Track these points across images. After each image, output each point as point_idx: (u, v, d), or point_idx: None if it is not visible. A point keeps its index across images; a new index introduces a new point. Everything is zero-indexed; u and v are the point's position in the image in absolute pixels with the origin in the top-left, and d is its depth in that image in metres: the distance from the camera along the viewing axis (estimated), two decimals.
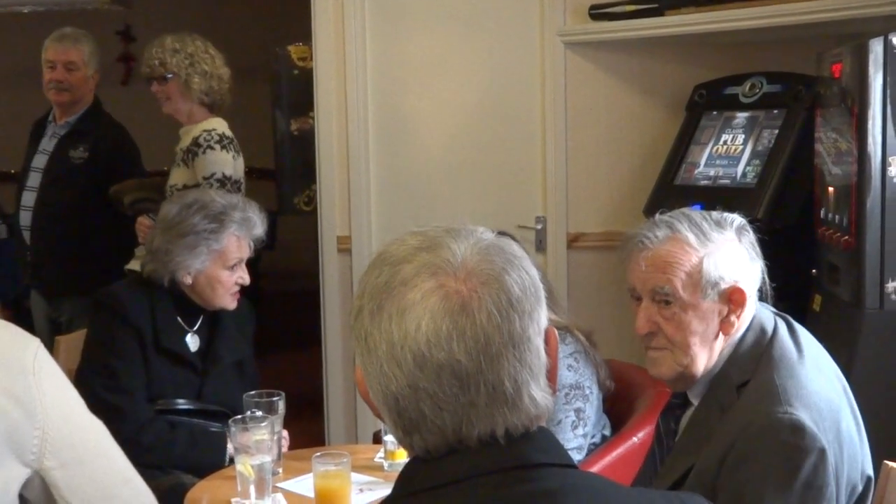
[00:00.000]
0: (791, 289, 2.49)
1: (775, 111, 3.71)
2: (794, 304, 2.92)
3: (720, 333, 1.92)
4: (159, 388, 2.90)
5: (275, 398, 2.62)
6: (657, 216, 2.01)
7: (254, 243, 2.96)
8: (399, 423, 1.19)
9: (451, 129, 4.48)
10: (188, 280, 2.90)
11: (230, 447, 2.71)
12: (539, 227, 4.39)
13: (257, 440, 2.37)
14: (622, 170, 4.34)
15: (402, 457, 2.56)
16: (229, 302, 2.95)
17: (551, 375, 1.23)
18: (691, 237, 1.92)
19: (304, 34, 4.89)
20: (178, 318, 2.96)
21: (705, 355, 1.92)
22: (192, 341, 2.98)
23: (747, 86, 3.85)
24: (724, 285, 1.90)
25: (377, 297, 1.19)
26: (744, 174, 3.68)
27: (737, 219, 1.99)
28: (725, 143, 3.83)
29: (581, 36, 4.25)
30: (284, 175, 5.69)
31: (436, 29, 4.42)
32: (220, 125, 3.95)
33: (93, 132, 4.39)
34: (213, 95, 4.03)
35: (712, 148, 3.86)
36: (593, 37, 4.23)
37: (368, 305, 1.20)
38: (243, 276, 2.94)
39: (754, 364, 1.89)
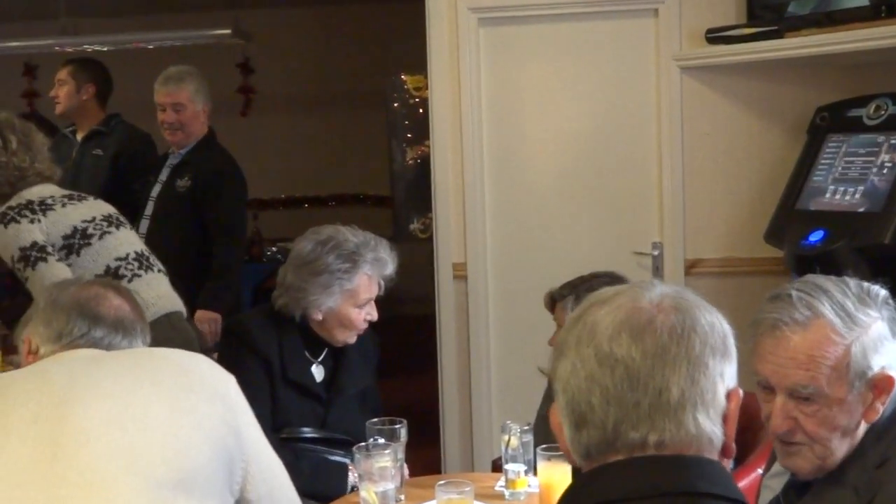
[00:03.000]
0: None
1: None
2: None
3: (862, 421, 1.75)
4: (284, 417, 2.94)
5: (397, 425, 2.65)
6: (790, 290, 1.78)
7: (383, 282, 3.00)
8: (572, 419, 1.28)
9: (566, 156, 4.48)
10: (319, 316, 2.94)
11: (352, 477, 2.74)
12: (656, 252, 4.35)
13: (380, 467, 2.39)
14: (741, 194, 4.28)
15: (524, 485, 2.56)
16: (353, 338, 3.00)
17: (727, 445, 1.27)
18: (837, 322, 1.72)
19: (419, 64, 4.95)
20: (305, 350, 3.01)
21: (846, 446, 1.75)
22: (318, 372, 3.03)
23: (872, 107, 3.75)
24: (871, 374, 1.72)
25: (579, 314, 1.32)
26: (869, 199, 3.58)
27: (881, 291, 1.81)
28: (849, 166, 3.73)
29: (698, 60, 4.21)
30: (400, 202, 5.77)
31: (550, 56, 4.43)
32: (7, 203, 3.32)
33: (200, 162, 4.50)
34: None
35: (835, 172, 3.77)
36: (710, 61, 4.19)
37: (571, 321, 1.33)
38: (372, 314, 2.98)
39: (893, 441, 1.73)
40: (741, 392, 1.29)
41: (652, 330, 1.25)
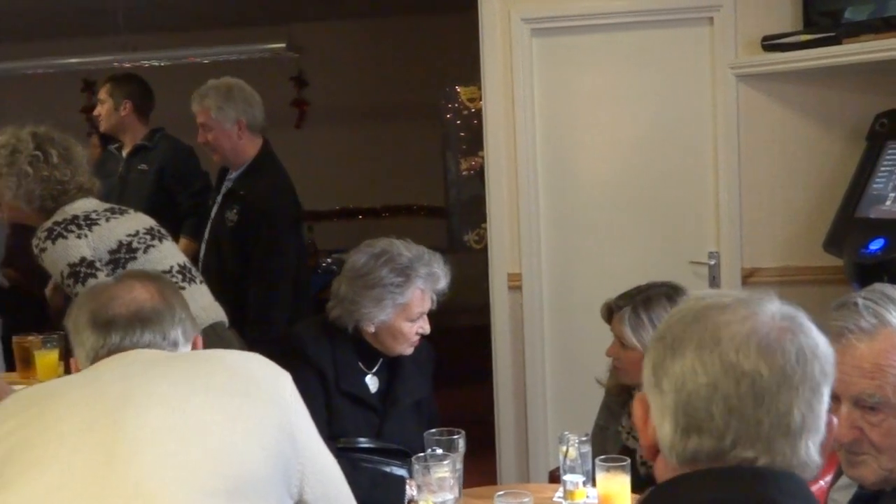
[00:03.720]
0: None
1: None
2: None
3: None
4: (340, 427, 2.95)
5: (455, 436, 2.65)
6: (857, 299, 1.77)
7: (436, 296, 3.00)
8: (681, 422, 1.26)
9: (621, 165, 4.46)
10: (371, 329, 2.96)
11: (409, 490, 2.75)
12: (712, 262, 4.31)
13: (439, 478, 2.40)
14: (799, 202, 4.24)
15: (583, 496, 2.55)
16: (407, 350, 3.01)
17: (825, 466, 1.28)
18: None
19: (473, 75, 4.96)
20: (359, 361, 3.03)
21: None
22: (372, 383, 3.04)
23: None
24: None
25: (695, 313, 1.30)
26: None
27: None
28: None
29: (754, 68, 4.19)
30: (454, 213, 5.79)
31: (603, 65, 4.43)
32: (53, 217, 3.30)
33: (247, 195, 4.17)
34: (37, 201, 3.31)
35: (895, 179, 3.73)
36: (767, 68, 4.15)
37: (688, 317, 1.30)
38: (424, 327, 2.99)
39: None
40: (835, 420, 1.29)
41: (781, 349, 1.24)
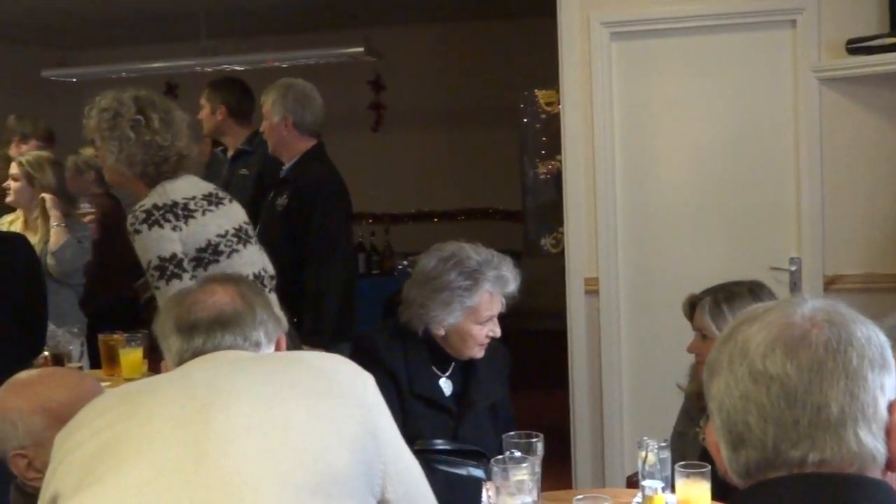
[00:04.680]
0: None
1: None
2: None
3: None
4: (415, 430, 2.96)
5: (534, 439, 2.65)
6: None
7: (505, 299, 3.01)
8: (728, 440, 1.27)
9: (700, 170, 4.43)
10: (441, 332, 2.97)
11: (485, 492, 2.75)
12: (793, 268, 4.26)
13: (518, 480, 2.40)
14: (884, 208, 4.16)
15: (662, 502, 2.53)
16: (478, 353, 3.01)
17: (891, 459, 1.23)
18: None
19: (551, 79, 4.95)
20: (432, 364, 3.04)
21: None
22: (446, 386, 3.05)
23: None
24: None
25: (730, 332, 1.31)
26: None
27: None
28: None
29: (837, 71, 4.12)
30: (531, 217, 5.79)
31: (684, 69, 4.40)
32: (152, 197, 3.32)
33: (297, 178, 4.36)
34: (139, 166, 3.33)
35: None
36: (851, 72, 4.09)
37: (722, 339, 1.31)
38: (494, 330, 2.99)
39: None
40: None
41: (806, 345, 1.23)
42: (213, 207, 3.40)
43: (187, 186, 3.38)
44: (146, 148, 3.30)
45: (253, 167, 4.96)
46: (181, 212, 3.30)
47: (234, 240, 3.41)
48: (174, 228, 3.26)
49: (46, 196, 4.47)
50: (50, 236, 4.41)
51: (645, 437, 2.60)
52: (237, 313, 1.99)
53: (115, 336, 3.95)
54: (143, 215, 3.25)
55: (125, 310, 4.67)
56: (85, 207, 5.08)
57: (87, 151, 4.59)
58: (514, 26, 8.12)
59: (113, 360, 3.91)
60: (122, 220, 5.33)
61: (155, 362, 3.52)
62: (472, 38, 8.53)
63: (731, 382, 1.26)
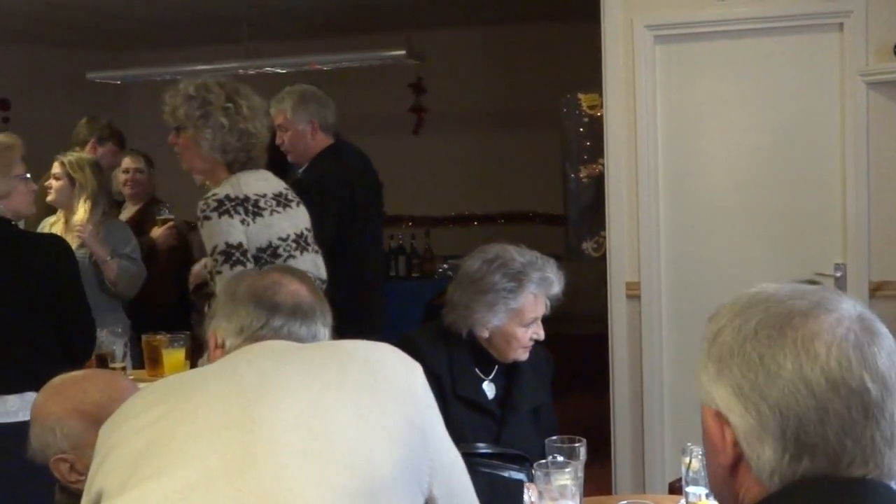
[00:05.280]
0: None
1: None
2: None
3: None
4: (457, 433, 2.95)
5: (576, 444, 2.64)
6: None
7: (550, 301, 3.00)
8: (788, 447, 1.20)
9: (744, 174, 4.39)
10: (485, 334, 2.97)
11: (527, 494, 2.74)
12: (838, 274, 4.21)
13: (560, 485, 2.39)
14: None
15: None
16: (522, 355, 3.00)
17: None
18: None
19: (592, 82, 4.94)
20: (475, 367, 3.04)
21: None
22: (489, 389, 3.04)
23: None
24: None
25: (775, 324, 1.23)
26: None
27: None
28: None
29: (885, 75, 4.08)
30: (573, 221, 5.78)
31: (728, 72, 4.37)
32: (225, 187, 3.33)
33: (305, 179, 4.39)
34: (232, 153, 3.36)
35: None
36: None
37: (766, 331, 1.23)
38: (538, 332, 2.98)
39: None
40: None
41: (873, 354, 1.19)
42: (280, 209, 3.41)
43: (260, 183, 3.40)
44: (239, 135, 3.33)
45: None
46: (251, 208, 3.31)
47: (293, 245, 3.42)
48: (243, 222, 3.28)
49: (82, 233, 4.37)
50: (104, 273, 4.41)
51: (689, 443, 2.58)
52: (312, 307, 2.02)
53: (159, 337, 3.98)
54: (216, 203, 3.26)
55: (169, 312, 4.71)
56: (164, 213, 5.12)
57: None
58: (557, 29, 8.10)
59: (156, 360, 3.94)
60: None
61: (196, 363, 3.53)
62: (514, 41, 8.52)
63: (800, 387, 1.19)
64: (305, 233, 3.50)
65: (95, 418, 1.98)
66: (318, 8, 7.59)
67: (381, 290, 4.84)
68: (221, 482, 1.51)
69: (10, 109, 8.80)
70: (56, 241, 3.52)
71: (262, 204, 3.35)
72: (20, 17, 7.53)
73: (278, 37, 8.15)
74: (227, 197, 3.28)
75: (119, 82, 8.09)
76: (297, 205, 3.51)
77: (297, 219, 3.47)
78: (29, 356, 2.69)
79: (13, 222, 3.38)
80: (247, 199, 3.31)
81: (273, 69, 7.16)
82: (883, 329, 1.23)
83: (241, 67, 7.17)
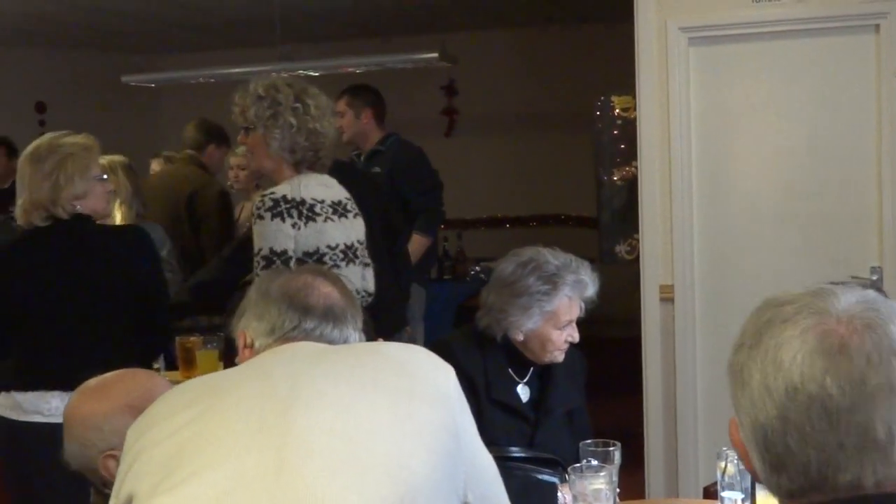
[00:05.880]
0: None
1: None
2: None
3: None
4: (491, 436, 2.95)
5: (611, 448, 2.63)
6: None
7: (585, 304, 2.99)
8: (766, 459, 1.18)
9: (779, 177, 4.36)
10: (520, 337, 2.96)
11: (560, 496, 2.73)
12: (874, 277, 4.17)
13: (595, 489, 2.38)
14: None
15: None
16: (558, 357, 3.00)
17: None
18: None
19: (625, 84, 4.92)
20: (510, 370, 3.03)
21: None
22: (524, 392, 3.04)
23: None
24: None
25: (757, 333, 1.21)
26: None
27: None
28: None
29: None
30: (605, 224, 5.76)
31: (763, 74, 4.34)
32: (284, 187, 3.36)
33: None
34: (300, 153, 3.39)
35: None
36: None
37: (749, 341, 1.22)
38: (573, 335, 2.98)
39: None
40: None
41: (847, 357, 1.13)
42: (335, 217, 3.41)
43: (320, 188, 3.41)
44: (308, 135, 3.36)
45: (385, 166, 5.17)
46: (306, 212, 3.32)
47: (340, 255, 3.41)
48: (294, 225, 3.29)
49: None
50: None
51: (724, 448, 2.57)
52: (343, 311, 2.01)
53: (192, 339, 4.00)
54: (271, 203, 3.28)
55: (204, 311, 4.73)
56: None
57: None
58: (590, 31, 8.08)
59: (190, 361, 3.96)
60: None
61: (230, 364, 3.54)
62: (547, 44, 8.51)
63: (765, 398, 1.16)
64: (357, 245, 3.49)
65: (143, 412, 1.96)
66: (351, 10, 7.62)
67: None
68: (256, 487, 1.49)
69: (46, 112, 8.90)
70: (135, 232, 3.50)
71: (317, 209, 3.36)
72: (56, 21, 7.61)
73: (311, 39, 8.18)
74: (284, 198, 3.29)
75: (154, 85, 8.15)
76: (355, 216, 3.51)
77: (350, 230, 3.47)
78: (117, 357, 2.68)
79: (91, 217, 3.35)
80: (303, 202, 3.32)
81: (306, 72, 7.18)
82: (888, 328, 1.16)
83: (274, 70, 7.18)
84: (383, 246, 4.24)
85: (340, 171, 4.32)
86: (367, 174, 4.88)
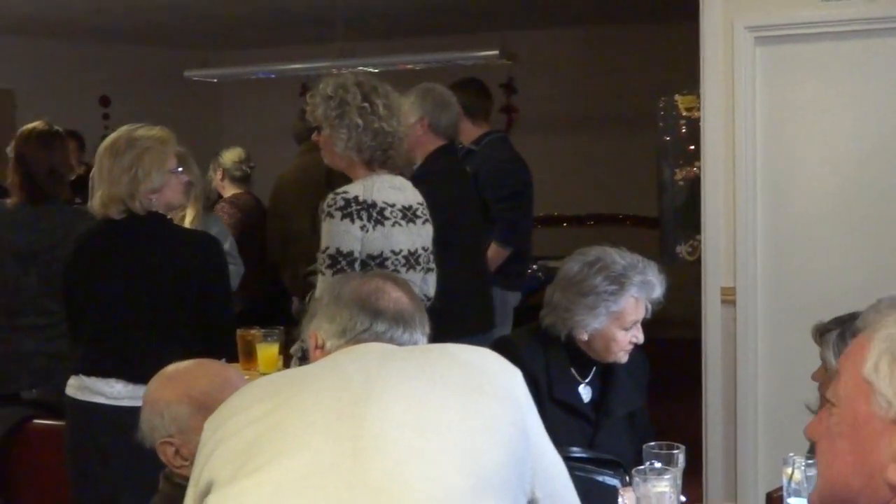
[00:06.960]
0: None
1: None
2: None
3: None
4: (552, 435, 2.93)
5: (675, 451, 2.61)
6: None
7: (651, 305, 2.97)
8: None
9: (846, 179, 4.30)
10: (584, 336, 2.95)
11: (621, 500, 2.72)
12: None
13: (658, 492, 2.36)
14: None
15: None
16: (622, 357, 2.98)
17: None
18: None
19: (687, 84, 4.88)
20: (572, 370, 3.02)
21: None
22: (585, 392, 3.03)
23: None
24: None
25: None
26: None
27: None
28: None
29: None
30: (667, 224, 5.73)
31: (831, 74, 4.27)
32: (357, 188, 3.36)
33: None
34: (367, 152, 3.38)
35: None
36: None
37: None
38: (638, 336, 2.96)
39: None
40: None
41: None
42: (403, 222, 3.41)
43: (393, 192, 3.41)
44: (374, 134, 3.36)
45: (473, 167, 4.95)
46: (376, 215, 3.32)
47: (402, 261, 3.40)
48: (362, 228, 3.30)
49: None
50: None
51: (791, 454, 2.54)
52: (412, 314, 2.07)
53: (253, 331, 4.02)
54: (343, 202, 3.29)
55: (263, 307, 4.77)
56: None
57: None
58: (653, 30, 8.02)
59: (250, 354, 3.99)
60: (263, 219, 5.43)
61: (290, 357, 3.57)
62: (609, 42, 8.46)
63: None
64: (421, 251, 3.47)
65: (202, 405, 2.08)
66: (413, 7, 7.63)
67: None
68: (332, 474, 1.54)
69: (110, 106, 9.04)
70: (208, 239, 3.54)
71: (387, 213, 3.36)
72: (120, 16, 7.71)
73: (372, 36, 8.21)
74: (356, 199, 3.30)
75: (215, 80, 8.23)
76: (424, 223, 3.50)
77: (416, 236, 3.46)
78: (174, 353, 2.71)
79: (167, 216, 3.39)
80: (374, 204, 3.32)
81: (365, 69, 7.20)
82: None
83: (334, 66, 7.22)
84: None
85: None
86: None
